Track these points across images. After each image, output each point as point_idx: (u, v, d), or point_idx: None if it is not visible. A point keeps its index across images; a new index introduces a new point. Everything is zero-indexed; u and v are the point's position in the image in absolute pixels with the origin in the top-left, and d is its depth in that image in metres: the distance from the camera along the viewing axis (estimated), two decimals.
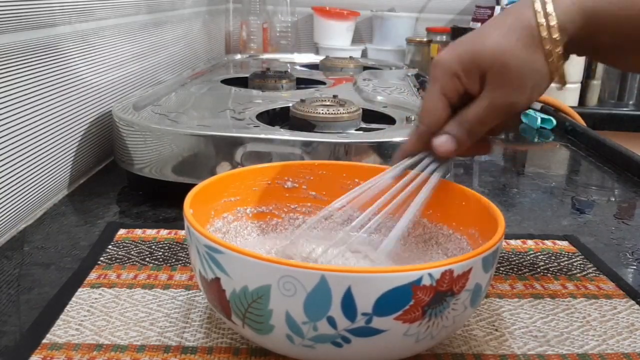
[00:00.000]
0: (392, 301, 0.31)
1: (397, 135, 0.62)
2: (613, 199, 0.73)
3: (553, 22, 0.39)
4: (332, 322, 0.31)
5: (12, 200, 0.54)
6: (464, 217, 0.44)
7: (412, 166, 0.44)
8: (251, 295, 0.32)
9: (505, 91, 0.41)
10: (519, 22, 0.40)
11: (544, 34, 0.39)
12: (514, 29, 0.40)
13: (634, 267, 0.53)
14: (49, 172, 0.61)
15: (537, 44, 0.40)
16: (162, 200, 0.62)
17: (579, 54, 0.43)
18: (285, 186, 0.48)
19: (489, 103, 0.41)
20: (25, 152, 0.57)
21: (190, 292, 0.44)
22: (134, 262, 0.48)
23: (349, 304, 0.31)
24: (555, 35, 0.39)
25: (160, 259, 0.49)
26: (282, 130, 0.65)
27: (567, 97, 1.25)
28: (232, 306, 0.33)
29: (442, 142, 0.43)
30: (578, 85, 1.28)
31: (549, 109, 1.13)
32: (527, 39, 0.40)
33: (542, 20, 0.39)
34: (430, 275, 0.31)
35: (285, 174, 0.48)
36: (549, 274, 0.49)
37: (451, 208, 0.44)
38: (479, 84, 0.41)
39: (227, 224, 0.46)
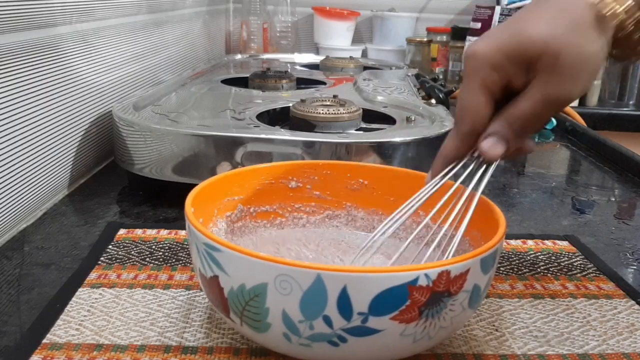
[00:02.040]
0: (388, 301, 0.31)
1: (397, 135, 0.62)
2: (613, 199, 0.73)
3: None
4: (328, 321, 0.31)
5: (12, 200, 0.54)
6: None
7: (454, 176, 0.40)
8: (248, 293, 0.32)
9: (560, 81, 0.37)
10: (569, 4, 0.37)
11: (606, 11, 0.36)
12: (563, 12, 0.37)
13: (634, 267, 0.53)
14: (49, 172, 0.61)
15: (594, 25, 0.36)
16: (162, 200, 0.62)
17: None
18: (290, 186, 0.48)
19: (542, 96, 0.37)
20: (25, 152, 0.57)
21: (191, 292, 0.44)
22: (134, 262, 0.48)
23: (344, 303, 0.31)
24: (617, 8, 0.36)
25: (161, 259, 0.49)
26: (282, 130, 0.65)
27: None
28: (230, 304, 0.34)
29: (491, 144, 0.39)
30: None
31: None
32: (582, 21, 0.36)
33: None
34: (426, 275, 0.31)
35: (289, 173, 0.48)
36: (549, 274, 0.49)
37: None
38: (524, 76, 0.38)
39: (230, 223, 0.46)
